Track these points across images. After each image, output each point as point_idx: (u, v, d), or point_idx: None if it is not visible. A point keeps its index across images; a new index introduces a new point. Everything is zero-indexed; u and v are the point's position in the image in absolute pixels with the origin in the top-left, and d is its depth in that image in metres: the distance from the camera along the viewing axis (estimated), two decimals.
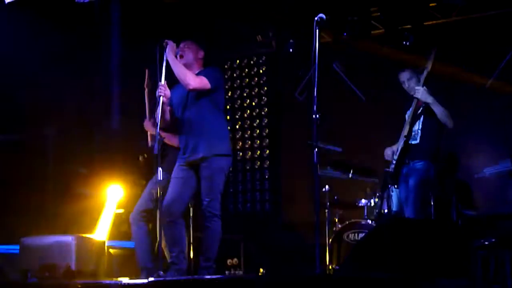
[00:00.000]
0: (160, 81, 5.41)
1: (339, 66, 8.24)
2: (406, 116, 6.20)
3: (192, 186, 5.52)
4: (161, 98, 5.37)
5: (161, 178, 5.22)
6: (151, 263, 5.86)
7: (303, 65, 7.72)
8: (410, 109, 6.14)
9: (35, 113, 8.51)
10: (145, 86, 6.17)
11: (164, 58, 5.43)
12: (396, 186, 6.23)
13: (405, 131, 6.11)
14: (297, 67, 8.33)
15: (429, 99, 5.99)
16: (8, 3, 7.62)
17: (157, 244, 5.52)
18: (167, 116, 5.58)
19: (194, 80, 5.46)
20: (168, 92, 5.45)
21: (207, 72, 5.60)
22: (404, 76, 6.24)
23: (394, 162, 6.12)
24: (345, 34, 8.11)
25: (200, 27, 7.99)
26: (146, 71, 6.16)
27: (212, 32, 8.14)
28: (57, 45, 8.10)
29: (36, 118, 8.55)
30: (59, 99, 8.47)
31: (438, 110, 5.97)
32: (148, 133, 6.26)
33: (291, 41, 8.35)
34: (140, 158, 6.54)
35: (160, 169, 5.23)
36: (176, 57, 5.53)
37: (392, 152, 6.24)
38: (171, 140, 5.99)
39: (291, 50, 8.37)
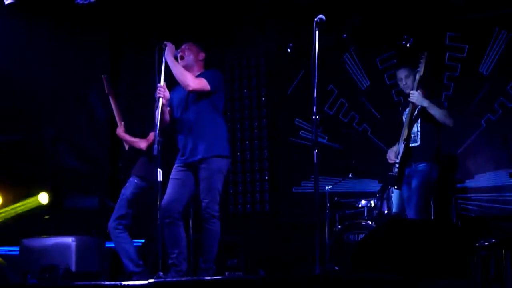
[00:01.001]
0: (159, 82, 5.40)
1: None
2: (404, 117, 6.18)
3: (190, 187, 5.49)
4: (160, 99, 5.35)
5: (161, 179, 5.22)
6: (137, 268, 5.87)
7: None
8: (407, 110, 6.10)
9: (35, 114, 8.52)
10: (106, 93, 6.18)
11: (163, 59, 5.42)
12: (396, 188, 6.20)
13: (404, 134, 6.06)
14: (296, 68, 8.34)
15: (424, 103, 5.95)
16: (8, 4, 7.60)
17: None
18: (167, 117, 5.55)
19: (193, 82, 5.43)
20: (167, 93, 5.43)
21: (207, 74, 5.57)
22: (402, 73, 6.19)
23: (397, 166, 6.09)
24: (344, 36, 8.11)
25: (201, 28, 7.96)
26: (104, 78, 6.16)
27: (212, 34, 8.12)
28: (56, 46, 8.11)
29: (35, 119, 8.57)
30: (58, 100, 8.49)
31: (435, 112, 5.93)
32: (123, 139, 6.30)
33: (290, 44, 8.35)
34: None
35: (160, 170, 5.22)
36: (176, 58, 5.51)
37: (394, 154, 6.19)
38: (140, 144, 6.08)
39: (289, 50, 8.37)
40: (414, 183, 5.98)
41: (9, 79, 8.10)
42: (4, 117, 8.28)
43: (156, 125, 5.29)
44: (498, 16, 7.52)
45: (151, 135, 5.90)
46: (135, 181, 6.08)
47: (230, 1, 8.01)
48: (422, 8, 7.64)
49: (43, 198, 8.19)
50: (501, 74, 7.49)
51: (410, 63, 6.20)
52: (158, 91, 5.37)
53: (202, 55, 5.71)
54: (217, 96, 5.55)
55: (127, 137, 6.18)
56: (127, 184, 6.15)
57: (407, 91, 6.10)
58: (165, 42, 5.46)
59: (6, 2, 7.63)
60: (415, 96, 5.96)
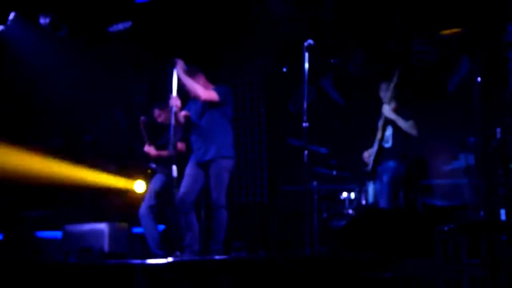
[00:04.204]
0: (172, 93, 5.38)
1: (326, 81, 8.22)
2: (379, 124, 6.18)
3: (202, 182, 5.48)
4: (173, 107, 5.35)
5: (176, 175, 5.22)
6: (160, 251, 5.84)
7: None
8: (382, 117, 6.11)
9: (76, 123, 8.54)
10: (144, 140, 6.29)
11: (175, 73, 5.39)
12: (371, 180, 6.22)
13: (378, 136, 6.09)
14: (290, 84, 8.31)
15: (392, 116, 5.98)
16: (44, 24, 7.34)
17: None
18: (181, 120, 5.55)
19: (203, 92, 5.41)
20: (178, 102, 5.42)
21: (217, 88, 5.56)
22: (381, 88, 6.23)
23: (371, 163, 6.11)
24: (332, 61, 8.06)
25: (215, 53, 7.97)
26: (141, 119, 6.25)
27: (223, 57, 8.13)
28: (93, 68, 8.11)
29: (76, 127, 8.59)
30: (96, 112, 8.51)
31: (401, 124, 5.96)
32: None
33: (286, 65, 8.34)
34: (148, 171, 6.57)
35: (174, 166, 5.23)
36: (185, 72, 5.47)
37: (368, 155, 6.22)
38: (161, 154, 6.18)
39: (284, 70, 8.36)
40: (384, 178, 6.00)
41: (56, 96, 8.09)
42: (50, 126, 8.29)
43: (171, 129, 5.29)
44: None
45: (179, 145, 5.96)
46: (163, 177, 6.11)
47: (239, 34, 7.99)
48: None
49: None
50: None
51: (386, 79, 6.23)
52: (171, 101, 5.37)
53: (201, 77, 5.63)
54: (226, 107, 5.53)
55: (154, 152, 6.24)
56: (155, 179, 6.15)
57: (385, 101, 6.13)
58: (175, 59, 5.42)
59: (41, 22, 7.31)
60: (386, 110, 6.00)
